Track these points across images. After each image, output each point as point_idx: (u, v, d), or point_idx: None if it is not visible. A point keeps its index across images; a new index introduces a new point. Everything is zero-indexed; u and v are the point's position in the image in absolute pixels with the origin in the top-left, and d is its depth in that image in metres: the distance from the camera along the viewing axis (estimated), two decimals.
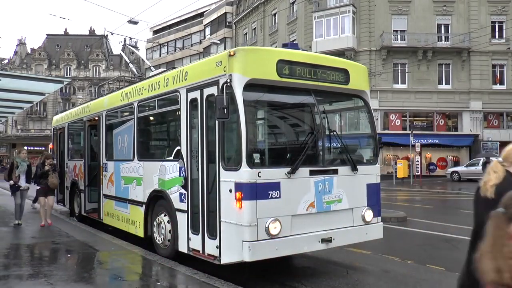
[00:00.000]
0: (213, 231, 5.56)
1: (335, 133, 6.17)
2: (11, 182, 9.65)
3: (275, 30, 39.30)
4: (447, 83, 31.90)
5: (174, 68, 7.47)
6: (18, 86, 10.89)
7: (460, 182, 26.77)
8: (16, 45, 66.36)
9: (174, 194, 6.44)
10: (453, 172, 28.39)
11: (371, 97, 6.84)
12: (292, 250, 5.47)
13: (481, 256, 1.72)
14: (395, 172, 26.31)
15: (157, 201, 7.09)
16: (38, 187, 9.87)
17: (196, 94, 6.04)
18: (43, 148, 47.43)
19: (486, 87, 31.61)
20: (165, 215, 6.76)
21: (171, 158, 6.70)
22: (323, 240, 5.55)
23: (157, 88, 7.20)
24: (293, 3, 37.13)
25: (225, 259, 5.32)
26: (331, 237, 5.64)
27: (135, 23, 19.50)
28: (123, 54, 20.97)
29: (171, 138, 7.59)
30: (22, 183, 9.81)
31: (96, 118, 9.92)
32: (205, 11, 53.23)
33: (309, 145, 5.79)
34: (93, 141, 10.48)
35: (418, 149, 25.21)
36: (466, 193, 20.16)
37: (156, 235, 6.99)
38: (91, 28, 70.79)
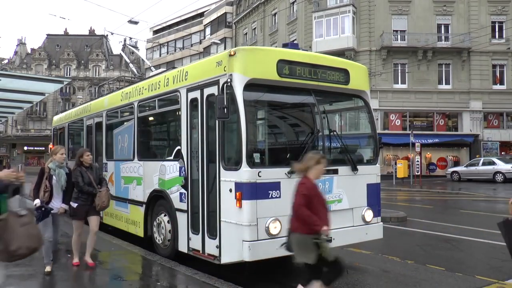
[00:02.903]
0: (213, 231, 5.56)
1: (335, 133, 6.18)
2: (37, 202, 5.73)
3: (275, 30, 39.30)
4: (447, 83, 31.90)
5: (174, 68, 7.48)
6: (18, 86, 10.89)
7: (460, 182, 26.76)
8: (16, 45, 66.38)
9: (174, 194, 6.45)
10: (453, 172, 28.39)
11: (371, 97, 6.85)
12: None
13: None
14: (395, 172, 26.29)
15: (157, 201, 7.09)
16: (74, 204, 6.16)
17: (196, 94, 6.05)
18: (43, 148, 47.45)
19: (486, 87, 31.61)
20: (165, 215, 6.76)
21: (171, 158, 6.70)
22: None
23: (157, 88, 7.20)
24: (293, 3, 37.14)
25: (225, 259, 5.33)
26: (331, 237, 5.63)
27: (135, 23, 19.54)
28: (123, 54, 20.99)
29: (171, 138, 7.59)
30: (57, 203, 5.99)
31: (93, 118, 9.91)
32: (205, 11, 53.25)
33: (309, 145, 5.79)
34: (92, 140, 10.47)
35: (418, 149, 25.18)
36: (466, 193, 20.20)
37: (156, 235, 6.99)
38: (91, 28, 70.82)
